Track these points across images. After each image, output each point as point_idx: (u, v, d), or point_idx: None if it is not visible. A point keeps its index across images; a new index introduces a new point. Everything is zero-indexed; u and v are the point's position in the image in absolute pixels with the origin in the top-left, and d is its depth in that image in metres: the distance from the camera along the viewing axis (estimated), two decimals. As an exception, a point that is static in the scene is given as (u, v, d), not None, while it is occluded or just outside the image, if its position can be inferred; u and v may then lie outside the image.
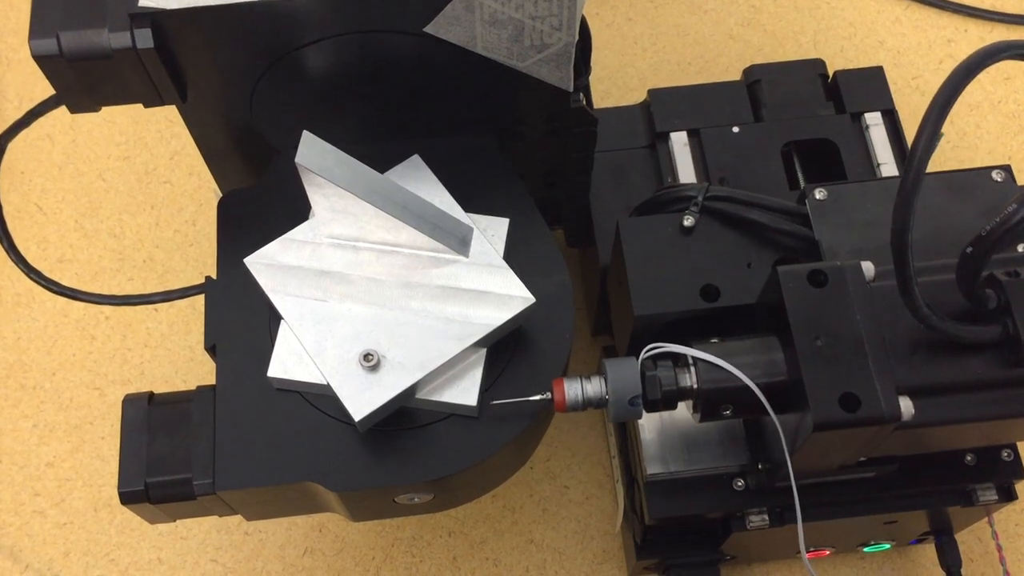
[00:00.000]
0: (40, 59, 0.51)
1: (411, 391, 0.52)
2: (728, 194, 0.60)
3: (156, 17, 0.50)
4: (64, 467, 0.79)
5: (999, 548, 0.71)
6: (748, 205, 0.60)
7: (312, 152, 0.51)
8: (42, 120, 0.58)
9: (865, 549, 0.72)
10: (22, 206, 0.88)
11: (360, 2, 0.52)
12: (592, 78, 0.65)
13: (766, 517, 0.61)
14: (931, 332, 0.50)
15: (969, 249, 0.48)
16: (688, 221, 0.60)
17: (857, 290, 0.52)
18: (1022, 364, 0.51)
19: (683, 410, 0.57)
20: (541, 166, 0.66)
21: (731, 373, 0.52)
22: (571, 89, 0.58)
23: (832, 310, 0.51)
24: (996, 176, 0.59)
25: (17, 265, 0.61)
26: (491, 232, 0.57)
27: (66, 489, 0.79)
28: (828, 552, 0.72)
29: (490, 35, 0.54)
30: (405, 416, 0.54)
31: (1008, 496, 0.63)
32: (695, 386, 0.53)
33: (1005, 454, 0.62)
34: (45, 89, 0.54)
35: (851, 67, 0.74)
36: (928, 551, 0.74)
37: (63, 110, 0.56)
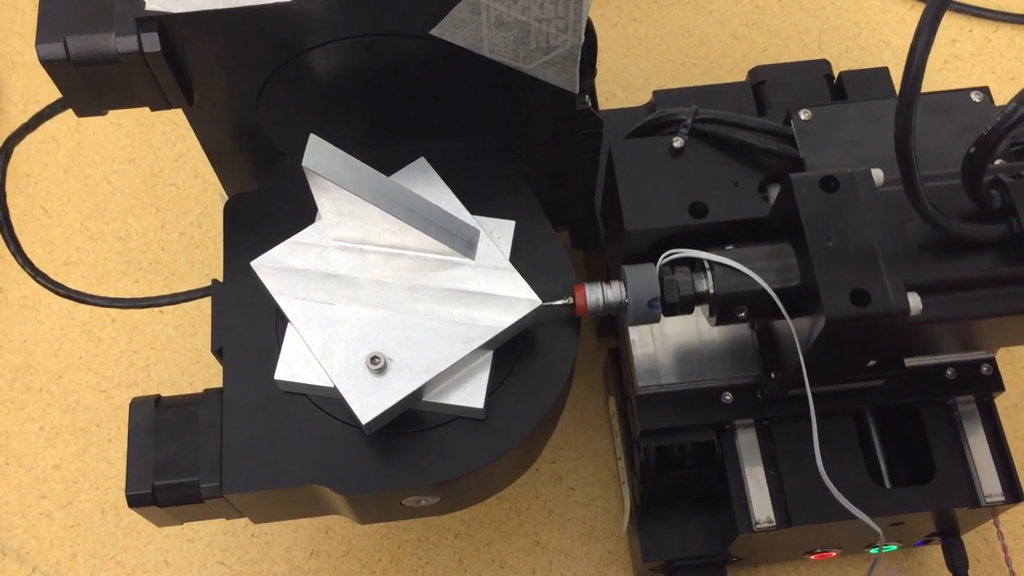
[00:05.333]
0: (47, 63, 0.51)
1: (418, 394, 0.52)
2: (716, 116, 0.62)
3: (163, 21, 0.50)
4: (71, 469, 0.79)
5: (1004, 549, 0.71)
6: (735, 126, 0.62)
7: (318, 155, 0.51)
8: (48, 123, 0.58)
9: (872, 551, 0.72)
10: (28, 209, 0.88)
11: (367, 5, 0.52)
12: (597, 79, 0.65)
13: (756, 440, 0.63)
14: (938, 232, 0.52)
15: (972, 150, 0.50)
16: (677, 142, 0.61)
17: (867, 194, 0.53)
18: None
19: (674, 327, 0.64)
20: (547, 168, 0.66)
21: (747, 277, 0.54)
22: (577, 91, 0.58)
23: (843, 213, 0.53)
24: (975, 97, 0.61)
25: (23, 268, 0.61)
26: (497, 234, 0.57)
27: (73, 491, 0.79)
28: (835, 553, 0.72)
29: (496, 37, 0.54)
30: (412, 419, 0.54)
31: (1015, 496, 0.63)
32: (711, 291, 0.55)
33: (985, 368, 0.64)
34: (51, 92, 0.54)
35: (856, 67, 0.74)
36: (935, 552, 0.74)
37: (69, 113, 0.56)
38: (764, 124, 0.62)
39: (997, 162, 0.56)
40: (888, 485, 0.66)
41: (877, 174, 0.54)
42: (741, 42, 0.94)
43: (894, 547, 0.72)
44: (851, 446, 0.64)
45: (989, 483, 0.63)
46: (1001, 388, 0.64)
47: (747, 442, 0.64)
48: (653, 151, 0.62)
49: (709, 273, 0.55)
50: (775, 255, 0.55)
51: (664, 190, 0.60)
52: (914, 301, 0.51)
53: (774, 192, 0.60)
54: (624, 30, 0.95)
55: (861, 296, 0.51)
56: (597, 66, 0.63)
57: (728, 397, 0.63)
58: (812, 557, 0.72)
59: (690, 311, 0.56)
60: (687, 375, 0.63)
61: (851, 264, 0.52)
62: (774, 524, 0.62)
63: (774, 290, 0.54)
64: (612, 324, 0.71)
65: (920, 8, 0.95)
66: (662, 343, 0.64)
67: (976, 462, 0.63)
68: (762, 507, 0.62)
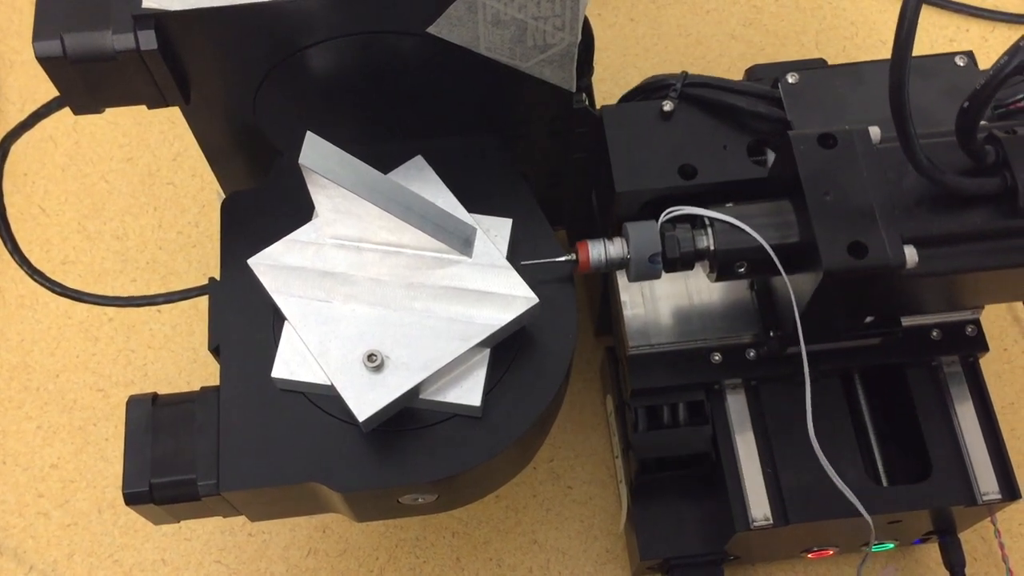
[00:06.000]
0: (44, 61, 0.51)
1: (415, 391, 0.52)
2: (705, 80, 0.63)
3: (160, 19, 0.50)
4: (68, 468, 0.79)
5: (1002, 546, 0.71)
6: (724, 90, 0.63)
7: (315, 153, 0.51)
8: (45, 122, 0.58)
9: (869, 548, 0.72)
10: (25, 208, 0.88)
11: (363, 3, 0.52)
12: (594, 78, 0.65)
13: (745, 402, 0.64)
14: (934, 187, 0.53)
15: (966, 104, 0.50)
16: (667, 106, 0.62)
17: (864, 150, 0.54)
18: (1019, 214, 0.53)
19: (665, 289, 0.65)
20: (544, 166, 0.66)
21: (746, 234, 0.55)
22: (574, 89, 0.59)
23: (841, 169, 0.54)
24: (959, 61, 0.62)
25: (20, 267, 0.61)
26: (494, 232, 0.57)
27: (70, 490, 0.79)
28: (832, 552, 0.72)
29: (493, 36, 0.54)
30: (409, 416, 0.54)
31: (1011, 494, 0.63)
32: (712, 247, 0.56)
33: (969, 329, 0.65)
34: (48, 91, 0.54)
35: (853, 67, 0.74)
36: (932, 551, 0.74)
37: (66, 112, 0.56)
38: (752, 88, 0.63)
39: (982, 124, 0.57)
40: (885, 484, 0.66)
41: (874, 131, 0.55)
42: (738, 42, 0.94)
43: (891, 545, 0.72)
44: (845, 430, 0.64)
45: (986, 481, 0.63)
46: (985, 348, 0.65)
47: (737, 405, 0.65)
48: (643, 115, 0.63)
49: (710, 230, 0.56)
50: (775, 212, 0.56)
51: (654, 153, 0.61)
52: (910, 253, 0.52)
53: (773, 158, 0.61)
54: (621, 29, 0.95)
55: (858, 248, 0.52)
56: (594, 65, 0.63)
57: (717, 358, 0.64)
58: (809, 555, 0.72)
59: (690, 267, 0.57)
60: (677, 336, 0.64)
61: (849, 218, 0.53)
62: (771, 522, 0.62)
63: (773, 246, 0.55)
64: (609, 322, 0.71)
65: (925, 12, 0.95)
66: (653, 305, 0.65)
67: (973, 459, 0.63)
68: (759, 505, 0.62)
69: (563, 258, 0.57)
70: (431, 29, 0.53)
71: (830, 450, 0.58)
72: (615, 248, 0.57)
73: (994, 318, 0.82)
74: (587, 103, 0.60)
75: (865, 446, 0.67)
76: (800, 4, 0.95)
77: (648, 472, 0.67)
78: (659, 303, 0.65)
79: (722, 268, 0.57)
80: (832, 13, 0.95)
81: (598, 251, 0.57)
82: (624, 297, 0.65)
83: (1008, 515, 0.76)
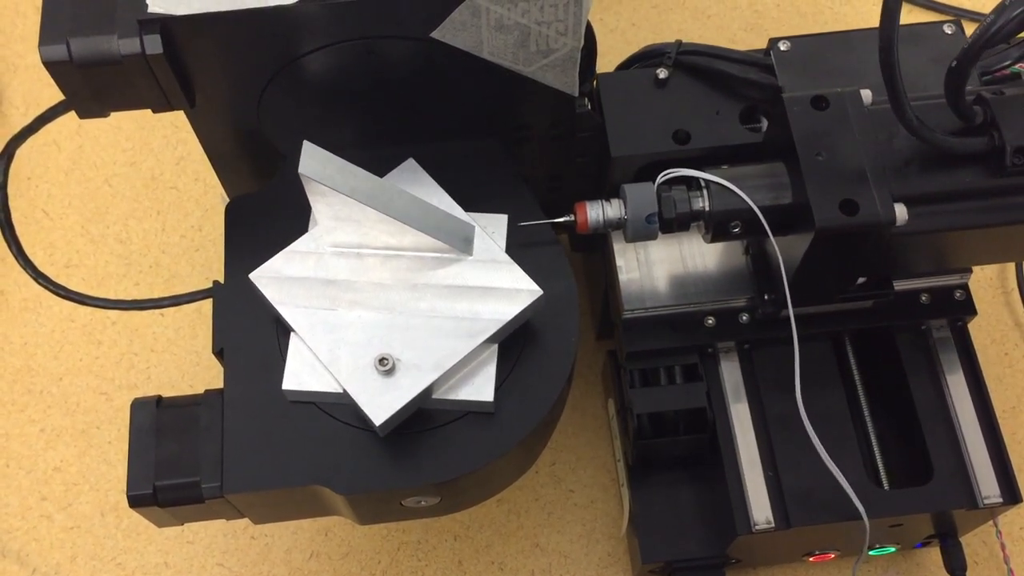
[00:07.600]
0: (50, 65, 0.51)
1: (428, 392, 0.52)
2: (699, 48, 0.65)
3: (165, 23, 0.51)
4: (71, 471, 0.80)
5: (1003, 547, 0.72)
6: (717, 58, 0.64)
7: (314, 161, 0.51)
8: (49, 126, 0.58)
9: (870, 552, 0.72)
10: (29, 211, 0.88)
11: (367, 8, 0.52)
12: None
13: (739, 367, 0.66)
14: (923, 147, 0.54)
15: (954, 63, 0.51)
16: (662, 74, 0.64)
17: (856, 112, 0.55)
18: (1006, 173, 0.54)
19: (659, 253, 0.67)
20: (546, 170, 0.67)
21: (740, 196, 0.56)
22: (576, 94, 0.59)
23: (833, 130, 0.55)
24: (947, 29, 0.64)
25: (24, 270, 0.61)
26: (491, 229, 0.57)
27: (73, 493, 0.79)
28: (833, 556, 0.72)
29: (496, 40, 0.54)
30: (420, 418, 0.54)
31: (1012, 498, 0.63)
32: (707, 208, 0.57)
33: (957, 294, 0.66)
34: (52, 95, 0.54)
35: (854, 71, 0.75)
36: (933, 554, 0.74)
37: (70, 116, 0.56)
38: (745, 56, 0.65)
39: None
40: (886, 487, 0.66)
41: (866, 94, 0.56)
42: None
43: (892, 549, 0.72)
44: (846, 432, 0.65)
45: (987, 484, 0.63)
46: (973, 312, 0.66)
47: (730, 370, 0.66)
48: (639, 82, 0.64)
49: (705, 191, 0.57)
50: (769, 173, 0.57)
51: (648, 119, 0.63)
52: (900, 211, 0.53)
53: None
54: (623, 34, 0.95)
55: (850, 206, 0.53)
56: (597, 69, 0.63)
57: (711, 321, 0.65)
58: (810, 559, 0.72)
59: (686, 228, 0.58)
60: (671, 300, 0.66)
61: (840, 177, 0.54)
62: (773, 525, 0.62)
63: (767, 206, 0.56)
64: (610, 326, 0.71)
65: (917, 13, 0.95)
66: (647, 269, 0.67)
67: (974, 463, 0.63)
68: (761, 508, 0.62)
69: (562, 219, 0.58)
70: (435, 34, 0.53)
71: (831, 452, 0.58)
72: (612, 209, 0.58)
73: (995, 321, 0.83)
74: (589, 107, 0.61)
75: (866, 449, 0.67)
76: (801, 9, 0.96)
77: (646, 436, 0.67)
78: (653, 268, 0.67)
79: (717, 228, 0.58)
80: (833, 18, 0.95)
81: (596, 212, 0.58)
82: (620, 262, 0.67)
83: (1010, 519, 0.76)
